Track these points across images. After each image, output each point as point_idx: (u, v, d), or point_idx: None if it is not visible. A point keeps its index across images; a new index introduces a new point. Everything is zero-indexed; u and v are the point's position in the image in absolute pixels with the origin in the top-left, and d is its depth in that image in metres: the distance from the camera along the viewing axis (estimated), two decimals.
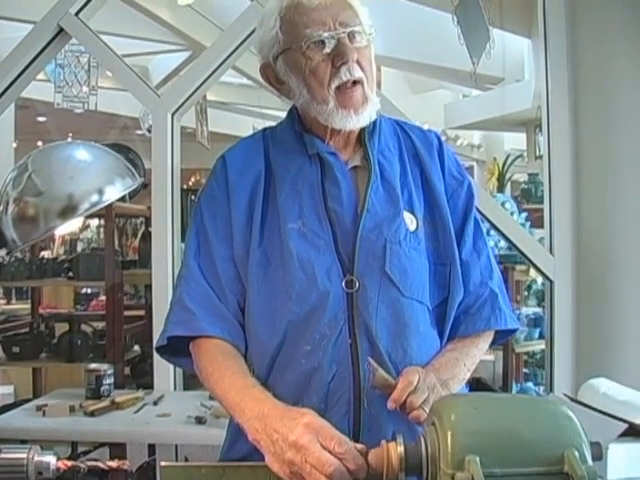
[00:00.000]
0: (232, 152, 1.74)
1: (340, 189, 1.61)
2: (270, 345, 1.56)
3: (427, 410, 1.36)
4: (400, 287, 1.57)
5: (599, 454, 1.03)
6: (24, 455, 1.15)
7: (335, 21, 1.56)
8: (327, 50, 1.55)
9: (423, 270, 1.61)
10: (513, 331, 1.74)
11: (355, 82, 1.57)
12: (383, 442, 1.10)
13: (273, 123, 1.83)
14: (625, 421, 1.66)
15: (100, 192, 1.46)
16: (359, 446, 1.22)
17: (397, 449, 1.07)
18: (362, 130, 1.65)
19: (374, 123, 1.67)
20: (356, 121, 1.59)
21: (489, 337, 1.69)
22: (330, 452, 1.22)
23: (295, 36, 1.57)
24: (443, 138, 1.73)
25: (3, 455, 1.15)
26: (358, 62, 1.57)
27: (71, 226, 1.60)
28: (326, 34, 1.55)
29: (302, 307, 1.54)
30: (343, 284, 1.55)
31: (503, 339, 1.77)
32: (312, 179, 1.63)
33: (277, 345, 1.56)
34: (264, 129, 1.79)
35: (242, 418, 1.43)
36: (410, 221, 1.61)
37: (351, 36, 1.57)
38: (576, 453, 0.97)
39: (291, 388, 1.53)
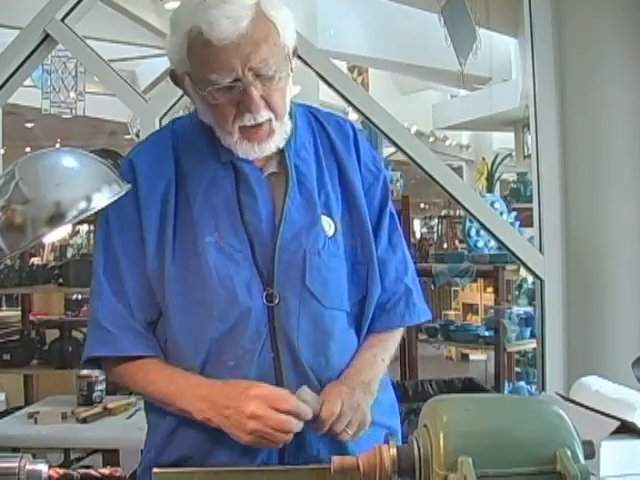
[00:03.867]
0: (140, 155, 1.66)
1: (256, 199, 1.57)
2: (195, 362, 1.55)
3: (350, 431, 1.46)
4: (321, 299, 1.56)
5: (591, 453, 1.03)
6: (15, 464, 1.15)
7: (245, 66, 1.46)
8: (233, 96, 1.49)
9: (343, 277, 1.61)
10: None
11: (259, 123, 1.53)
12: (375, 444, 1.10)
13: None
14: (617, 419, 1.67)
15: (88, 199, 1.46)
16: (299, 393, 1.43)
17: (389, 451, 1.07)
18: None
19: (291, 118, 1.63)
20: (259, 152, 1.56)
21: (403, 329, 1.72)
22: (282, 412, 1.39)
23: (201, 76, 1.50)
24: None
25: None
26: (268, 103, 1.52)
27: (59, 234, 1.59)
28: (233, 82, 1.47)
29: (225, 324, 1.53)
30: (264, 298, 1.54)
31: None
32: (227, 189, 1.58)
33: (202, 362, 1.55)
34: (173, 121, 1.74)
35: (182, 403, 1.49)
36: (328, 226, 1.60)
37: (257, 76, 1.49)
38: (568, 452, 0.98)
39: None
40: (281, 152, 1.61)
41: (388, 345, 1.66)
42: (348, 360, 1.60)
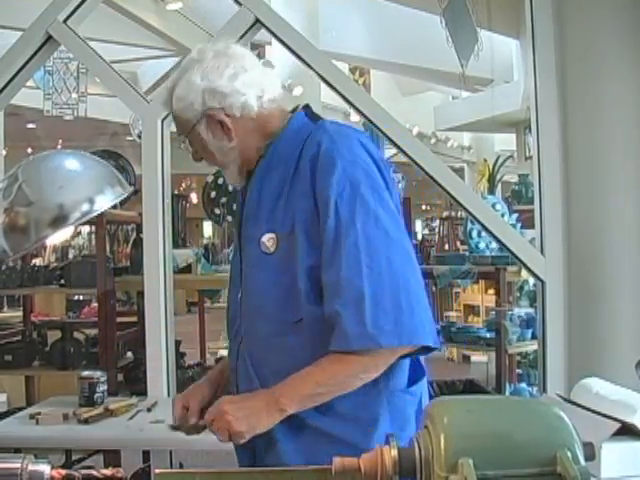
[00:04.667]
0: None
1: (235, 215, 1.97)
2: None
3: (221, 436, 1.65)
4: (247, 304, 1.79)
5: (592, 454, 1.03)
6: (18, 465, 1.15)
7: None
8: None
9: (276, 289, 1.71)
10: (430, 349, 1.71)
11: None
12: (377, 446, 1.10)
13: None
14: (618, 420, 1.67)
15: (90, 201, 1.47)
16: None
17: (390, 453, 1.07)
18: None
19: (270, 146, 1.79)
20: (229, 181, 1.93)
21: (333, 363, 1.64)
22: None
23: None
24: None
25: None
26: (199, 153, 1.84)
27: (62, 236, 1.60)
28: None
29: (229, 310, 1.92)
30: (239, 295, 1.82)
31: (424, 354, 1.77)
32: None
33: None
34: None
35: None
36: (271, 243, 1.71)
37: (186, 141, 1.84)
38: (568, 454, 0.98)
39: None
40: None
41: (329, 366, 1.64)
42: (290, 367, 1.65)
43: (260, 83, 1.78)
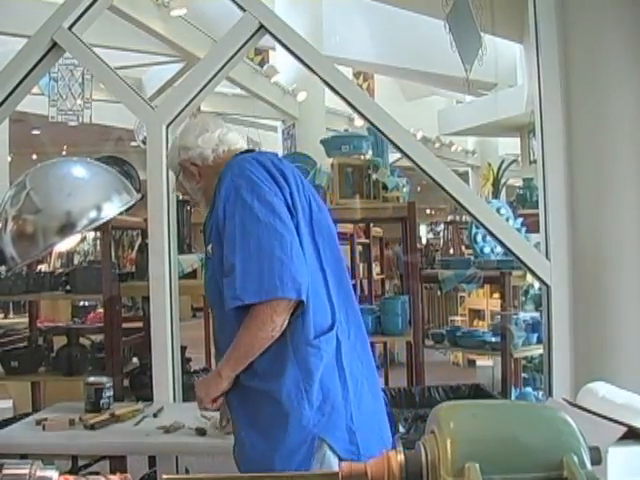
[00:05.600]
0: None
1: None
2: None
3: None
4: (207, 299, 2.45)
5: (598, 459, 1.03)
6: (26, 471, 1.15)
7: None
8: None
9: (214, 282, 2.24)
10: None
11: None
12: (384, 451, 1.10)
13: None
14: (624, 424, 1.67)
15: (98, 209, 1.48)
16: None
17: (397, 457, 1.07)
18: None
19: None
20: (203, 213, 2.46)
21: (247, 318, 2.13)
22: None
23: None
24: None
25: (5, 471, 1.15)
26: (187, 194, 2.53)
27: (70, 242, 1.61)
28: None
29: None
30: None
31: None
32: None
33: None
34: None
35: None
36: (210, 250, 2.27)
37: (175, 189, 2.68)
38: (575, 458, 0.98)
39: None
40: None
41: (238, 334, 2.16)
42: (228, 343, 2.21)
43: (217, 139, 2.42)
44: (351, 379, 2.19)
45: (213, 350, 2.41)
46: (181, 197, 2.46)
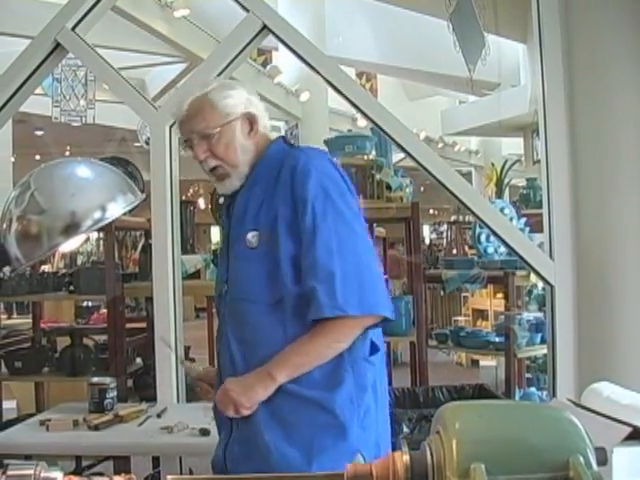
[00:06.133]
0: None
1: (224, 219, 2.30)
2: None
3: (227, 410, 2.08)
4: (234, 292, 2.15)
5: (604, 459, 1.03)
6: (30, 472, 1.15)
7: (190, 132, 2.18)
8: (192, 151, 2.19)
9: (256, 276, 2.10)
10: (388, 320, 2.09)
11: (213, 168, 2.20)
12: (389, 451, 1.10)
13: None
14: (629, 425, 1.66)
15: (103, 209, 1.47)
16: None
17: (402, 458, 1.07)
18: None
19: (256, 164, 2.20)
20: (222, 189, 2.24)
21: (319, 330, 2.02)
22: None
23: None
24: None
25: (9, 472, 1.14)
26: (213, 153, 2.18)
27: (75, 243, 1.60)
28: (185, 142, 2.21)
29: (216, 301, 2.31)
30: (224, 288, 2.20)
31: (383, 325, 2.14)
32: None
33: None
34: None
35: None
36: (255, 239, 2.11)
37: (201, 137, 2.17)
38: (581, 459, 0.97)
39: None
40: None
41: (303, 340, 2.03)
42: (267, 345, 2.08)
43: (265, 115, 2.27)
44: (380, 393, 2.18)
45: (224, 348, 2.19)
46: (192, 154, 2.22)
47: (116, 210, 1.50)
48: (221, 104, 2.18)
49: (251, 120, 2.21)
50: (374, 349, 2.16)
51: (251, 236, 2.12)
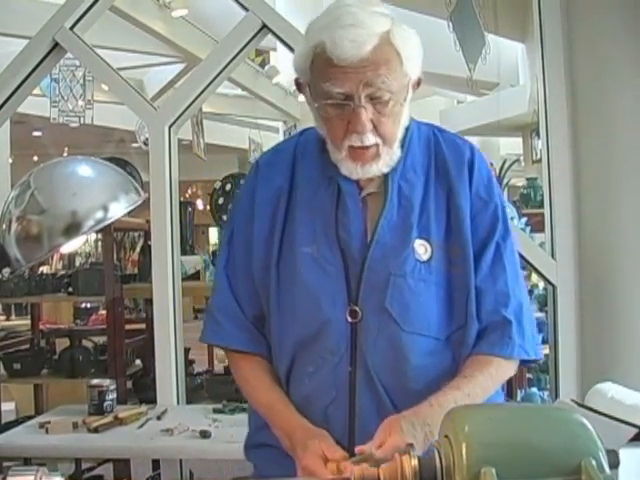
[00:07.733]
0: (264, 159, 1.78)
1: (349, 218, 1.62)
2: (283, 364, 1.66)
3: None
4: (400, 322, 1.58)
5: (616, 462, 1.01)
6: (31, 477, 1.13)
7: (360, 88, 1.51)
8: (344, 113, 1.54)
9: (430, 302, 1.60)
10: (531, 361, 1.70)
11: (367, 146, 1.57)
12: (396, 455, 1.08)
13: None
14: (635, 425, 1.65)
15: (104, 209, 1.45)
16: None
17: (411, 462, 1.05)
18: None
19: (403, 142, 1.64)
20: (362, 174, 1.61)
21: (497, 369, 1.61)
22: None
23: (318, 89, 1.56)
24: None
25: (10, 478, 1.13)
26: (376, 127, 1.55)
27: (76, 244, 1.58)
28: (344, 100, 1.52)
29: (306, 330, 1.61)
30: (347, 313, 1.58)
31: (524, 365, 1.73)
32: (327, 204, 1.64)
33: (288, 365, 1.65)
34: (302, 131, 1.79)
35: (273, 427, 1.64)
36: (424, 250, 1.60)
37: (375, 104, 1.54)
38: (593, 462, 0.96)
39: (297, 407, 1.63)
40: (386, 174, 1.64)
41: (474, 390, 1.55)
42: (433, 385, 1.56)
43: None
44: None
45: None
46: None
47: (118, 210, 1.47)
48: (408, 62, 1.58)
49: (417, 87, 1.66)
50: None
51: (418, 245, 1.61)
